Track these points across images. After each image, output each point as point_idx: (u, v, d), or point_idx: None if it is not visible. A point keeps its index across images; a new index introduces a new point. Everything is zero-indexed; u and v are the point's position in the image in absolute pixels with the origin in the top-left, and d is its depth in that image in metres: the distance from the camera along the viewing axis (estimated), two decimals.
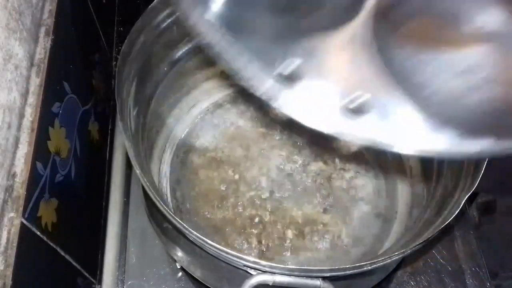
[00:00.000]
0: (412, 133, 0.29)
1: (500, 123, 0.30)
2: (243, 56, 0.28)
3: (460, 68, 0.30)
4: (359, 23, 0.31)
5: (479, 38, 0.29)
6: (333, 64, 0.30)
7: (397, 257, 0.45)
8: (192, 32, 0.29)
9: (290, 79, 0.29)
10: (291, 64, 0.29)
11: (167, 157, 0.63)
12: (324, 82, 0.29)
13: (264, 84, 0.28)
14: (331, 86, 0.29)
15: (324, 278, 0.44)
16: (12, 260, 0.39)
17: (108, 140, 0.73)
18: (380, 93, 0.29)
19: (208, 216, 0.59)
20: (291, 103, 0.28)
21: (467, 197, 0.46)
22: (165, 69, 0.61)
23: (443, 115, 0.29)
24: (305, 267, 0.47)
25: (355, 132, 0.28)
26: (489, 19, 0.28)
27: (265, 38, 0.30)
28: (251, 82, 0.27)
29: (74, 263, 0.53)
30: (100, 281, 0.60)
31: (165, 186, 0.61)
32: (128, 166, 0.68)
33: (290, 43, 0.30)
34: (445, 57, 0.30)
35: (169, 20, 0.58)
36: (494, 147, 0.27)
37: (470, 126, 0.29)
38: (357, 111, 0.29)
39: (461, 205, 0.45)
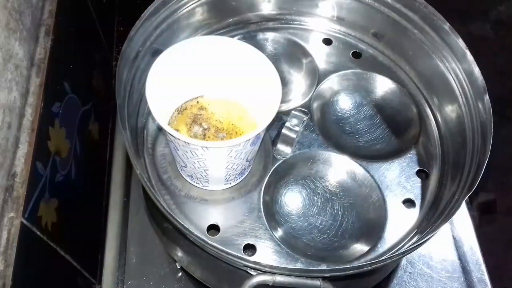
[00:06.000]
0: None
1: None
2: None
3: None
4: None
5: None
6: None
7: (397, 257, 0.45)
8: None
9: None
10: None
11: None
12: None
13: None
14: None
15: (324, 278, 0.44)
16: (12, 260, 0.39)
17: (108, 140, 0.73)
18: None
19: None
20: None
21: (467, 197, 0.46)
22: None
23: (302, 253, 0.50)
24: (305, 268, 0.47)
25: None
26: None
27: None
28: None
29: (74, 263, 0.53)
30: (100, 281, 0.60)
31: None
32: (128, 166, 0.68)
33: None
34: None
35: (169, 20, 0.58)
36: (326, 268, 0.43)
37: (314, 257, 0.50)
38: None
39: (461, 205, 0.45)
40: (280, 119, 0.58)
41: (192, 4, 0.60)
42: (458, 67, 0.56)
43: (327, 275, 0.43)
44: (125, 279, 0.58)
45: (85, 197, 0.61)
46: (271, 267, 0.42)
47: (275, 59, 0.64)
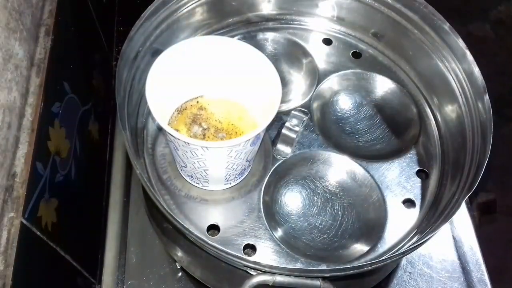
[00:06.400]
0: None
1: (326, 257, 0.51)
2: None
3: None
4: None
5: None
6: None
7: (397, 257, 0.45)
8: None
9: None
10: None
11: None
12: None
13: None
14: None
15: (324, 278, 0.44)
16: (12, 260, 0.39)
17: (108, 140, 0.73)
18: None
19: None
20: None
21: (467, 197, 0.46)
22: None
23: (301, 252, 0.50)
24: (305, 268, 0.47)
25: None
26: None
27: None
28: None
29: (74, 263, 0.53)
30: (100, 281, 0.60)
31: None
32: (128, 166, 0.68)
33: None
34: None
35: (169, 20, 0.58)
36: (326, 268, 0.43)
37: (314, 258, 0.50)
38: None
39: (461, 205, 0.45)
40: (280, 119, 0.58)
41: (192, 4, 0.60)
42: (458, 67, 0.56)
43: (327, 275, 0.43)
44: (125, 279, 0.58)
45: (85, 197, 0.61)
46: (271, 267, 0.42)
47: (275, 59, 0.64)
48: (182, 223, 0.42)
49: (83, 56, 0.65)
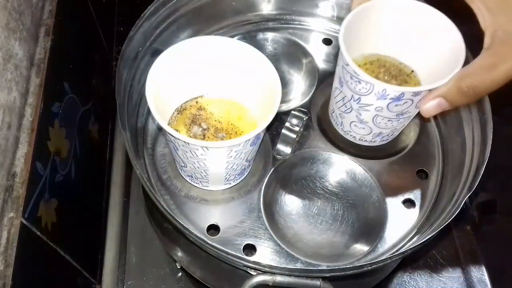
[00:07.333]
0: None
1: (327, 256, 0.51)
2: None
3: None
4: None
5: None
6: None
7: (397, 257, 0.45)
8: None
9: None
10: None
11: None
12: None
13: None
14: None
15: (324, 278, 0.44)
16: (12, 260, 0.39)
17: (108, 140, 0.73)
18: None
19: None
20: None
21: (467, 197, 0.46)
22: None
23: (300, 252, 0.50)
24: (305, 268, 0.47)
25: None
26: None
27: None
28: None
29: (74, 263, 0.53)
30: (100, 281, 0.60)
31: None
32: (128, 166, 0.68)
33: None
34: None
35: (169, 20, 0.58)
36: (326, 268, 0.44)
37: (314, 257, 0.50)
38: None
39: (461, 205, 0.45)
40: (280, 119, 0.58)
41: (192, 4, 0.60)
42: None
43: (327, 275, 0.43)
44: (125, 279, 0.59)
45: (85, 197, 0.61)
46: (271, 267, 0.42)
47: (275, 59, 0.64)
48: (182, 223, 0.42)
49: (83, 56, 0.65)
